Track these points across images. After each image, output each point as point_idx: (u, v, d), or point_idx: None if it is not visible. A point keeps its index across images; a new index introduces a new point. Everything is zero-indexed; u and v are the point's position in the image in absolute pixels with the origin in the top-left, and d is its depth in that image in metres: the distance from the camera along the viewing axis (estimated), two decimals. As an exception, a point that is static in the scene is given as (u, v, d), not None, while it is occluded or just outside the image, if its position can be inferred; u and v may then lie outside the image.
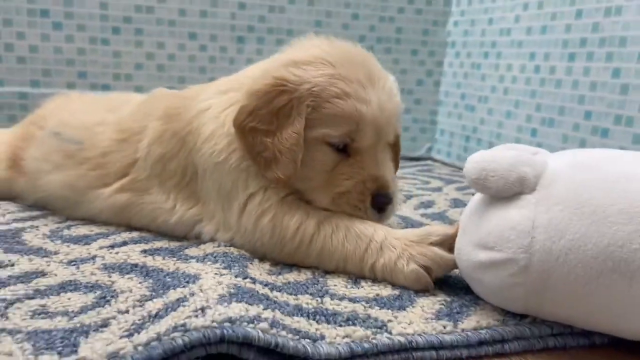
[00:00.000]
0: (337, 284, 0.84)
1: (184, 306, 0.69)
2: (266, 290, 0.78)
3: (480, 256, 0.74)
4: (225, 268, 0.82)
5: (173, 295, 0.74)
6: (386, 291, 0.82)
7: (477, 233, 0.75)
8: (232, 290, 0.73)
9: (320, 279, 0.85)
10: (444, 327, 0.72)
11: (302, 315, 0.72)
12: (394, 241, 0.85)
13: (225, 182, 0.92)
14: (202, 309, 0.67)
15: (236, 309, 0.67)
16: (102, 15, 1.73)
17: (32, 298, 0.74)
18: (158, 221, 1.00)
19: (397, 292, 0.82)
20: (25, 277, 0.80)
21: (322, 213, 0.90)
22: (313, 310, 0.74)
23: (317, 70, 0.88)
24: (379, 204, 0.91)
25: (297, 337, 0.66)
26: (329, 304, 0.77)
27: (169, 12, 1.79)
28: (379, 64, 0.96)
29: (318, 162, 0.90)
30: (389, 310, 0.76)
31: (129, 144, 1.03)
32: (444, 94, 2.08)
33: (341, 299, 0.79)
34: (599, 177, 0.70)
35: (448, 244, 0.84)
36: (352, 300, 0.78)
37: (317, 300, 0.78)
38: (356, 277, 0.87)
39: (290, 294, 0.79)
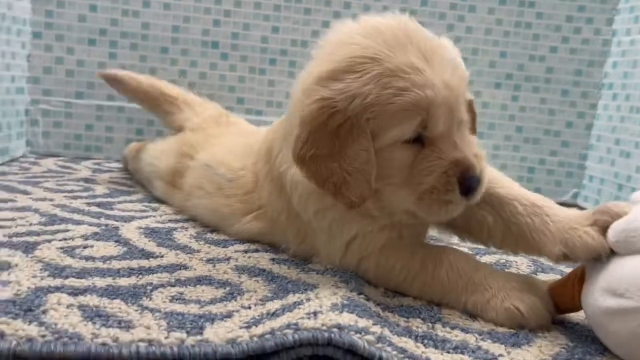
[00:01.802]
0: (451, 314, 0.84)
1: (299, 308, 0.74)
2: (378, 309, 0.80)
3: (608, 302, 0.69)
4: (342, 282, 0.86)
5: (291, 298, 0.79)
6: (503, 327, 0.80)
7: (607, 278, 0.71)
8: (345, 302, 0.76)
9: (435, 307, 0.86)
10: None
11: (410, 337, 0.73)
12: (492, 281, 0.82)
13: (322, 228, 0.94)
14: (315, 313, 0.71)
15: (346, 318, 0.70)
16: (262, 47, 1.91)
17: (173, 286, 0.84)
18: (282, 247, 1.06)
19: (514, 329, 0.79)
20: (171, 268, 0.91)
21: (425, 250, 0.89)
22: (422, 334, 0.75)
23: (361, 76, 0.80)
24: (469, 189, 0.82)
25: (402, 355, 0.67)
26: (439, 330, 0.77)
27: (321, 46, 1.92)
28: (425, 30, 0.87)
29: (394, 162, 0.84)
30: (502, 345, 0.74)
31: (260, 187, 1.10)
32: (596, 138, 1.95)
33: (453, 327, 0.78)
34: None
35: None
36: (465, 330, 0.78)
37: (428, 325, 0.78)
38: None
39: (402, 316, 0.81)
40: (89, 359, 0.62)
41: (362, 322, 0.70)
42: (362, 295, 0.82)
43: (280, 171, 0.98)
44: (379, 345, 0.67)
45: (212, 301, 0.79)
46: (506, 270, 1.05)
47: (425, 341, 0.73)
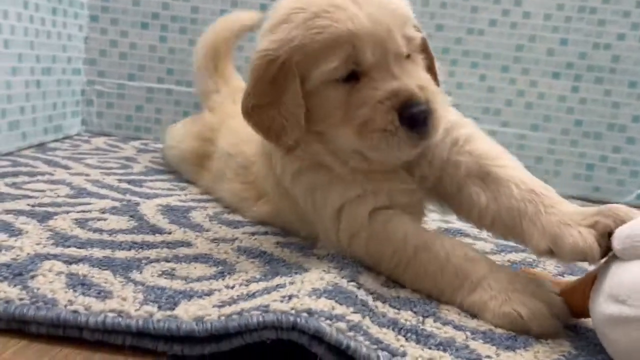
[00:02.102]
0: (450, 309, 0.78)
1: (277, 291, 0.72)
2: (368, 298, 0.76)
3: (611, 309, 0.62)
4: (335, 268, 0.82)
5: (276, 281, 0.77)
6: (502, 329, 0.74)
7: (610, 283, 0.64)
8: (329, 287, 0.73)
9: (434, 301, 0.80)
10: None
11: (394, 329, 0.69)
12: (493, 281, 0.76)
13: (306, 204, 0.92)
14: (290, 297, 0.69)
15: (321, 304, 0.67)
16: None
17: (168, 261, 0.84)
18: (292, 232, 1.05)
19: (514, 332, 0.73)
20: (173, 245, 0.92)
21: (420, 237, 0.83)
22: (409, 327, 0.71)
23: (290, 24, 0.83)
24: (411, 118, 0.77)
25: (376, 346, 0.63)
26: (429, 325, 0.72)
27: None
28: None
29: (329, 101, 0.84)
30: (494, 347, 0.68)
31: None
32: (666, 135, 1.78)
33: (445, 323, 0.73)
34: None
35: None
36: (458, 327, 0.72)
37: (418, 319, 0.74)
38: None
39: (393, 307, 0.76)
40: (58, 324, 0.64)
41: (340, 309, 0.67)
42: (353, 283, 0.78)
43: (269, 145, 0.96)
44: (351, 333, 0.63)
45: (199, 279, 0.79)
46: (533, 268, 0.98)
47: (409, 335, 0.68)
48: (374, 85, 0.80)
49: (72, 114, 1.89)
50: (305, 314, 0.64)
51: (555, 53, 1.82)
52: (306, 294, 0.70)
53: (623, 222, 0.68)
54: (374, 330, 0.67)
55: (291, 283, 0.75)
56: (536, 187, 0.80)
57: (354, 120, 0.82)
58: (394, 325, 0.71)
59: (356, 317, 0.67)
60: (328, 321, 0.64)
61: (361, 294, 0.76)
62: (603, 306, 0.64)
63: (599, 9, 1.78)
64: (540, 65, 1.84)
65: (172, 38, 1.93)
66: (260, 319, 0.63)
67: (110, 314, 0.64)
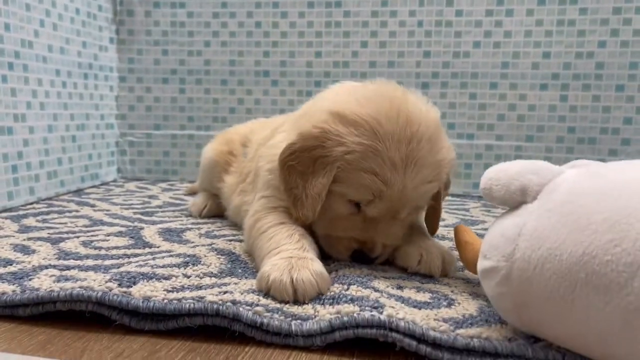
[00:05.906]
0: (380, 281, 0.90)
1: (219, 287, 0.85)
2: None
3: (480, 264, 0.73)
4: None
5: (225, 280, 0.90)
6: (422, 297, 0.85)
7: (483, 242, 0.74)
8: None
9: (369, 275, 0.93)
10: (439, 327, 0.72)
11: (315, 302, 0.81)
12: (280, 260, 0.87)
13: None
14: (225, 292, 0.83)
15: (248, 297, 0.81)
16: (307, 72, 2.08)
17: (146, 260, 1.00)
18: None
19: (430, 299, 0.84)
20: (157, 253, 1.08)
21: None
22: (329, 296, 0.83)
23: (358, 135, 0.91)
24: (355, 259, 1.00)
25: (290, 319, 0.76)
26: (353, 290, 0.84)
27: (361, 65, 2.03)
28: (429, 134, 0.93)
29: (334, 208, 0.98)
30: (402, 304, 0.80)
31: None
32: (660, 133, 1.80)
33: (367, 287, 0.85)
34: (600, 184, 0.63)
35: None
36: (377, 290, 0.85)
37: (343, 287, 0.86)
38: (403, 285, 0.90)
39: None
40: (37, 302, 0.81)
41: (265, 300, 0.80)
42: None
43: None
44: (268, 314, 0.77)
45: (165, 266, 0.95)
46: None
47: (327, 300, 0.81)
48: (360, 225, 0.98)
49: (108, 163, 2.15)
50: (229, 303, 0.78)
51: (540, 66, 1.91)
52: (239, 291, 0.83)
53: None
54: (294, 309, 0.79)
55: (235, 284, 0.89)
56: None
57: (334, 229, 1.00)
58: (317, 300, 0.82)
59: (279, 305, 0.80)
60: (248, 307, 0.77)
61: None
62: (479, 263, 0.74)
63: (577, 21, 1.86)
64: (527, 79, 1.93)
65: (189, 89, 2.17)
66: (192, 306, 0.77)
67: (78, 288, 0.81)
